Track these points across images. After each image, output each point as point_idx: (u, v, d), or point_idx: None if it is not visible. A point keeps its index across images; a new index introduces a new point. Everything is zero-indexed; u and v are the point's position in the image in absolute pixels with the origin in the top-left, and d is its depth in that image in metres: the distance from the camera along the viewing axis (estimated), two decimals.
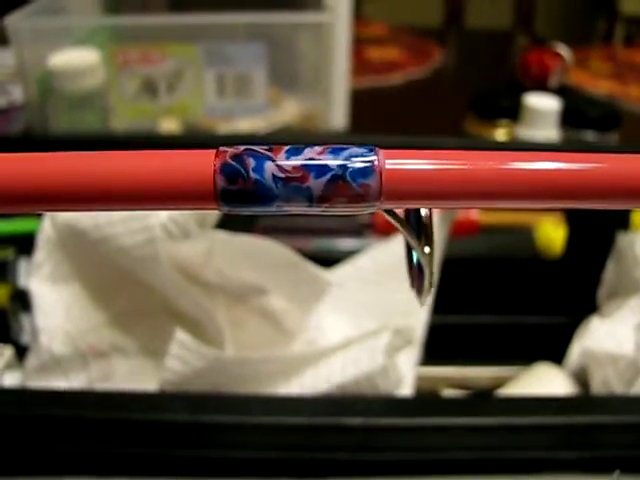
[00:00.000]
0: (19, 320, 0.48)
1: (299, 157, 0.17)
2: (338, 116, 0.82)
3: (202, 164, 0.17)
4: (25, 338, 0.47)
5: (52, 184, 0.17)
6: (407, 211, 0.23)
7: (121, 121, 0.77)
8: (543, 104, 0.74)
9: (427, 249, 0.24)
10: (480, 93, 0.88)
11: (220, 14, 0.74)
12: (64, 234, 0.43)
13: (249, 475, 0.38)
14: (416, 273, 0.26)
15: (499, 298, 0.57)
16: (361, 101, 0.92)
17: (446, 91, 1.17)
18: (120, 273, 0.43)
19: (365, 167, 0.17)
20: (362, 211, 0.18)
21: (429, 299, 0.25)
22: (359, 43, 1.14)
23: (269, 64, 0.77)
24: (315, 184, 0.17)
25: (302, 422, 0.36)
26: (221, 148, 0.17)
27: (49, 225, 0.44)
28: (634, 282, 0.50)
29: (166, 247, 0.41)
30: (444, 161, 0.18)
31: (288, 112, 0.82)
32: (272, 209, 0.17)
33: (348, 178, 0.17)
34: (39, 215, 0.45)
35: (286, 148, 0.17)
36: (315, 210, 0.17)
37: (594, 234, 0.55)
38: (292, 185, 0.17)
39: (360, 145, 0.18)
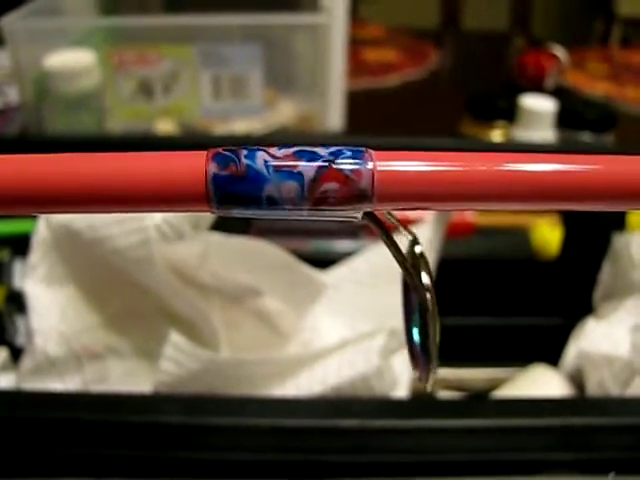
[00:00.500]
0: (14, 321, 0.48)
1: (290, 148, 0.17)
2: (334, 117, 0.82)
3: (194, 162, 0.17)
4: (20, 339, 0.47)
5: (46, 186, 0.17)
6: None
7: (117, 122, 0.77)
8: (539, 105, 0.74)
9: (426, 279, 0.23)
10: (477, 94, 0.88)
11: (216, 15, 0.75)
12: (59, 235, 0.43)
13: (244, 477, 0.38)
14: (418, 353, 0.24)
15: (495, 299, 0.57)
16: (357, 102, 0.92)
17: (443, 92, 1.17)
18: (115, 275, 0.43)
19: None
20: (353, 213, 0.18)
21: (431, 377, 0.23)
22: (355, 44, 1.14)
23: (265, 65, 0.77)
24: (306, 169, 0.17)
25: (297, 424, 0.36)
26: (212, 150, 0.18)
27: (44, 226, 0.44)
28: (630, 283, 0.50)
29: (161, 249, 0.41)
30: (438, 163, 0.18)
31: (284, 113, 0.82)
32: (263, 196, 0.17)
33: (340, 165, 0.17)
34: (34, 216, 0.45)
35: (279, 145, 0.18)
36: (305, 206, 0.17)
37: (590, 235, 0.55)
38: (283, 171, 0.17)
39: (352, 147, 0.18)
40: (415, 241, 0.25)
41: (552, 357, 0.51)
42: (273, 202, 0.17)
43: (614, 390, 0.44)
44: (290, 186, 0.17)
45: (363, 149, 0.18)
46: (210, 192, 0.17)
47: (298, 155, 0.17)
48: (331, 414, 0.36)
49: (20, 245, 0.47)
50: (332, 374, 0.41)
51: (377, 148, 0.18)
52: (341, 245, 0.62)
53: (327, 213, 0.17)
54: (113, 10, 0.86)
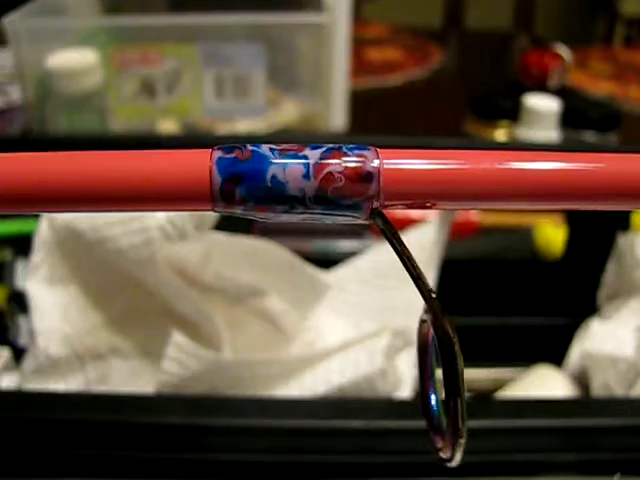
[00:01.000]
0: (16, 322, 0.48)
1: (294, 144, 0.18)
2: (338, 117, 0.82)
3: (199, 157, 0.17)
4: (22, 340, 0.47)
5: (49, 184, 0.17)
6: None
7: (119, 122, 0.77)
8: (543, 105, 0.74)
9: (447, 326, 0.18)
10: (480, 94, 0.88)
11: (219, 15, 0.74)
12: (61, 235, 0.43)
13: (247, 478, 0.38)
14: (437, 416, 0.21)
15: (499, 299, 0.57)
16: (360, 102, 0.92)
17: (446, 92, 1.17)
18: (117, 275, 0.43)
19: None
20: (359, 200, 0.17)
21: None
22: (358, 44, 1.14)
23: (268, 65, 0.77)
24: (311, 153, 0.17)
25: (301, 425, 0.35)
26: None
27: (46, 226, 0.43)
28: (635, 283, 0.49)
29: (164, 249, 0.41)
30: (443, 161, 0.17)
31: (287, 113, 0.82)
32: (267, 176, 0.17)
33: (344, 149, 0.17)
34: (36, 216, 0.45)
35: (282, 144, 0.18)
36: (310, 188, 0.17)
37: (594, 235, 0.54)
38: (288, 154, 0.17)
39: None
40: None
41: (556, 357, 0.51)
42: (277, 182, 0.17)
43: (619, 391, 0.43)
44: (295, 167, 0.17)
45: (370, 147, 0.17)
46: (214, 178, 0.17)
47: (303, 145, 0.17)
48: (335, 415, 0.36)
49: (22, 245, 0.47)
50: (336, 374, 0.41)
51: (382, 147, 0.18)
52: (344, 245, 0.62)
53: (333, 198, 0.17)
54: (116, 9, 0.85)
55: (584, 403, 0.43)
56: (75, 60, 0.67)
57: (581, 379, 0.48)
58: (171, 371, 0.39)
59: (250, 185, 0.17)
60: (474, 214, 0.66)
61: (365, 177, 0.17)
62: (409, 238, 0.50)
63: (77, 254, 0.43)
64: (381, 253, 0.52)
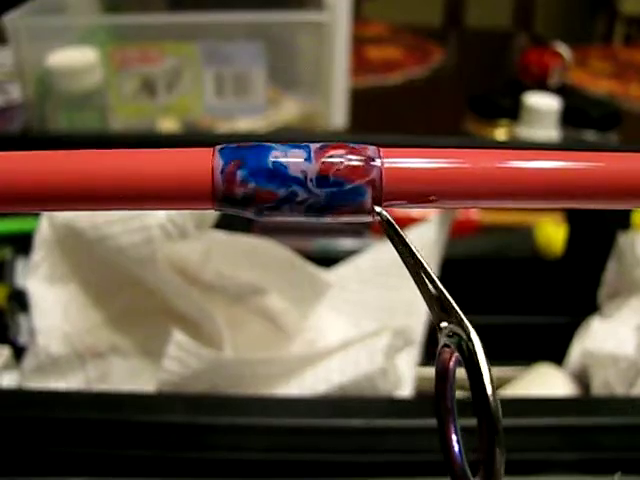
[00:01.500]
0: (16, 320, 0.48)
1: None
2: (338, 115, 0.82)
3: (200, 159, 0.17)
4: (22, 338, 0.47)
5: (49, 183, 0.17)
6: None
7: (119, 120, 0.77)
8: (543, 104, 0.74)
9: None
10: (480, 93, 0.88)
11: (219, 13, 0.74)
12: (62, 234, 0.43)
13: (248, 477, 0.38)
14: (456, 454, 0.17)
15: (499, 298, 0.57)
16: (361, 101, 0.92)
17: (446, 90, 1.17)
18: (118, 273, 0.43)
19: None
20: (360, 183, 0.17)
21: None
22: (359, 42, 1.14)
23: (268, 63, 0.77)
24: (312, 144, 0.18)
25: (301, 423, 0.35)
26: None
27: (47, 225, 0.43)
28: (635, 282, 0.49)
29: (164, 247, 0.41)
30: (444, 160, 0.17)
31: (287, 111, 0.82)
32: (269, 161, 0.17)
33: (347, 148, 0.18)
34: (37, 214, 0.45)
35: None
36: (311, 173, 0.17)
37: (595, 234, 0.54)
38: (290, 144, 0.18)
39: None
40: None
41: (557, 356, 0.51)
42: (279, 164, 0.17)
43: (619, 389, 0.43)
44: (296, 152, 0.17)
45: (370, 146, 0.18)
46: (216, 177, 0.17)
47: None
48: (335, 413, 0.36)
49: (22, 243, 0.47)
50: (336, 373, 0.41)
51: (382, 146, 0.18)
52: (345, 243, 0.62)
53: (334, 181, 0.17)
54: (116, 8, 0.85)
55: (585, 402, 0.43)
56: (75, 58, 0.67)
57: (582, 378, 0.48)
58: (172, 370, 0.39)
59: (252, 166, 0.17)
60: (474, 213, 0.65)
61: (367, 159, 0.17)
62: (409, 237, 0.50)
63: (77, 253, 0.43)
64: (381, 252, 0.52)
